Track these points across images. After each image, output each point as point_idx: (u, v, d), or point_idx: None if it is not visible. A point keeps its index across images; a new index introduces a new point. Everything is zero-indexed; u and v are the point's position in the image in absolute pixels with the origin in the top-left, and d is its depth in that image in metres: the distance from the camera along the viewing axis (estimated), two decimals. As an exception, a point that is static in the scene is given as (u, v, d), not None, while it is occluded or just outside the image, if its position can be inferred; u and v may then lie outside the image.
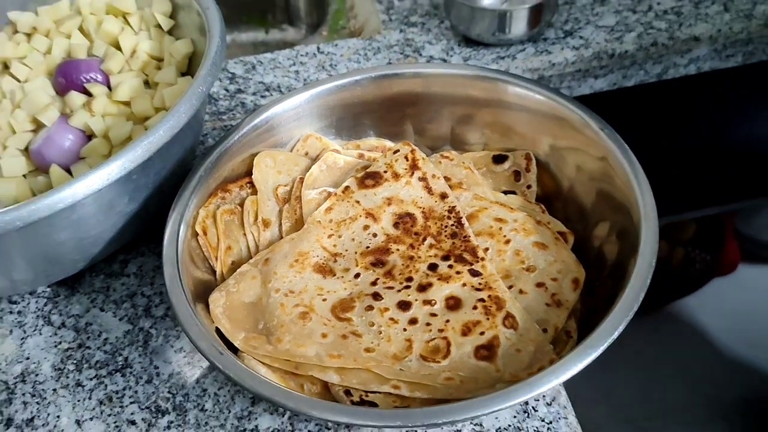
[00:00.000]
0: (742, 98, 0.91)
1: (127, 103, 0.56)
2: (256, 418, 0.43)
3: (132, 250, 0.53)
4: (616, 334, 0.34)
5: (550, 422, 0.41)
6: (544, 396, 0.42)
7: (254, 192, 0.46)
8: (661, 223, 0.41)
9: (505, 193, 0.47)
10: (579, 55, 0.65)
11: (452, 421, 0.33)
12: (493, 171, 0.49)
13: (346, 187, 0.46)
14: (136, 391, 0.45)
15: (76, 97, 0.56)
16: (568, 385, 0.38)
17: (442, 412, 0.33)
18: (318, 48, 0.68)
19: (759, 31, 0.67)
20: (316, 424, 0.42)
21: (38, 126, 0.57)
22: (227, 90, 0.65)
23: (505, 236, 0.43)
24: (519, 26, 0.64)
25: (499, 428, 0.41)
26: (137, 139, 0.43)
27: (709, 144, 0.97)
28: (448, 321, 0.39)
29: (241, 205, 0.46)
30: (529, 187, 0.47)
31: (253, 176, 0.47)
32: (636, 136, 0.76)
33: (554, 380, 0.33)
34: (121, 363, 0.46)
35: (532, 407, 0.42)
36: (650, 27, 0.67)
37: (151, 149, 0.42)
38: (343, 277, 0.42)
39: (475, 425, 0.41)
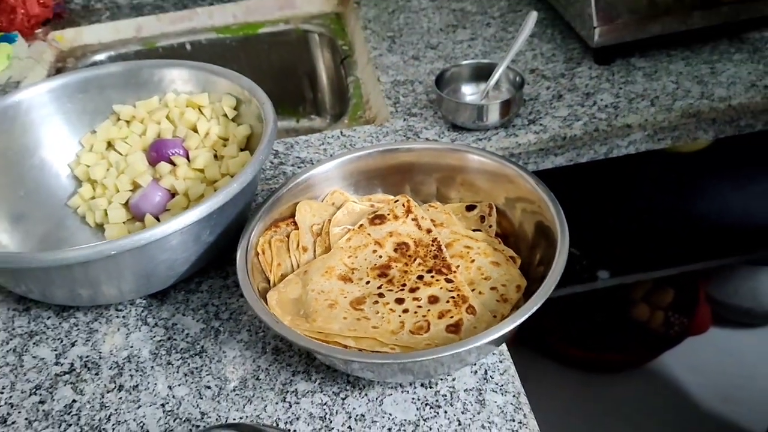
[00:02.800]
0: (671, 172, 1.13)
1: (201, 170, 0.76)
2: (295, 384, 0.61)
3: (204, 274, 0.72)
4: (527, 315, 0.52)
5: (502, 385, 0.59)
6: (498, 368, 0.60)
7: (296, 228, 0.66)
8: (620, 281, 0.59)
9: (474, 230, 0.66)
10: (539, 138, 0.85)
11: (433, 358, 0.50)
12: (465, 216, 0.68)
13: (361, 225, 0.65)
14: (210, 368, 0.63)
15: (164, 166, 0.77)
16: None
17: (422, 354, 0.51)
18: (341, 132, 0.89)
19: (677, 120, 0.87)
20: (338, 386, 0.60)
21: (135, 187, 0.77)
22: (272, 162, 0.86)
23: (471, 258, 0.62)
24: (493, 116, 0.85)
25: (467, 389, 0.59)
26: (222, 189, 0.62)
27: (646, 210, 1.17)
28: (429, 310, 0.58)
29: (288, 236, 0.66)
30: (490, 226, 0.66)
31: (296, 217, 0.66)
32: (586, 201, 0.98)
33: (488, 337, 0.51)
34: (198, 349, 0.65)
35: (490, 375, 0.60)
36: (594, 117, 0.87)
37: (228, 196, 0.62)
38: (358, 283, 0.61)
39: (449, 386, 0.59)
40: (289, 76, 1.26)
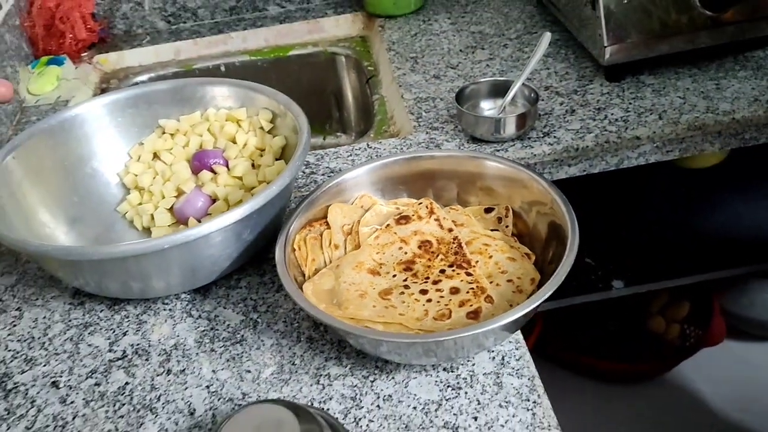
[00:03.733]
0: (682, 185, 1.19)
1: (240, 178, 0.83)
2: (328, 369, 0.66)
3: (243, 272, 0.78)
4: (540, 301, 0.57)
5: (518, 370, 0.64)
6: (514, 354, 0.65)
7: (328, 228, 0.72)
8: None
9: (492, 230, 0.72)
10: (553, 149, 0.91)
11: (454, 338, 0.56)
12: (484, 217, 0.74)
13: (388, 225, 0.71)
14: (249, 354, 0.69)
15: (206, 174, 0.84)
16: None
17: (445, 334, 0.56)
18: (368, 144, 0.96)
19: (684, 133, 0.93)
20: (367, 371, 0.65)
21: (180, 193, 0.84)
22: (304, 172, 0.92)
23: (489, 254, 0.68)
24: (510, 129, 0.91)
25: (485, 373, 0.64)
26: (261, 191, 0.69)
27: (658, 221, 1.22)
28: (450, 300, 0.64)
29: (321, 235, 0.72)
30: (507, 227, 0.72)
31: (328, 218, 0.73)
32: (599, 210, 1.03)
33: (504, 320, 0.56)
34: (239, 338, 0.71)
35: (507, 361, 0.65)
36: (605, 130, 0.93)
37: (267, 198, 0.68)
38: (385, 276, 0.67)
39: (469, 370, 0.64)
40: (317, 96, 1.34)
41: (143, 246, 0.65)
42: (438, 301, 0.64)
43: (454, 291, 0.65)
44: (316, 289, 0.66)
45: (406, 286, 0.66)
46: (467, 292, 0.64)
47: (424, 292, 0.65)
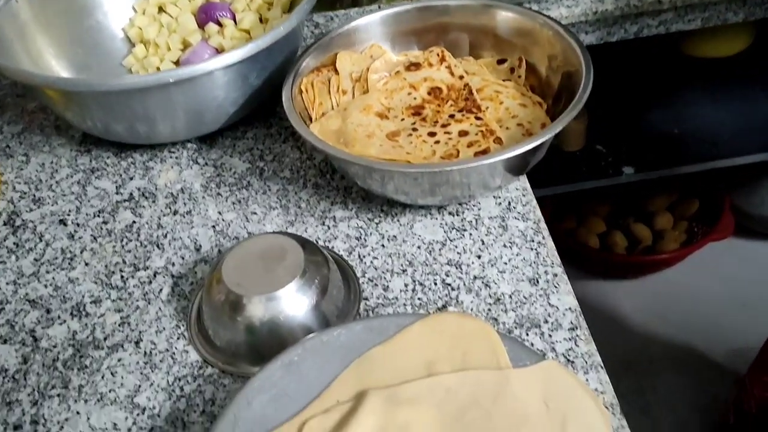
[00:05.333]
0: (701, 76, 1.16)
1: (247, 31, 0.81)
2: (334, 212, 0.66)
3: (249, 125, 0.77)
4: (548, 136, 0.56)
5: (524, 214, 0.64)
6: (521, 200, 0.65)
7: (337, 74, 0.71)
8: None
9: (504, 81, 0.70)
10: (571, 12, 0.88)
11: (459, 169, 0.55)
12: (496, 68, 0.72)
13: (398, 71, 0.70)
14: (255, 198, 0.69)
15: (212, 27, 0.82)
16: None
17: (450, 164, 0.56)
18: (379, 6, 0.93)
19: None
20: (372, 213, 0.65)
21: (186, 46, 0.82)
22: (313, 33, 0.90)
23: (500, 100, 0.67)
24: (527, -10, 0.88)
25: (491, 216, 0.64)
26: (268, 32, 0.67)
27: (673, 108, 1.20)
28: (459, 141, 0.63)
29: (329, 81, 0.70)
30: (519, 77, 0.70)
31: (336, 65, 0.71)
32: (614, 86, 1.00)
33: (511, 152, 0.55)
34: (245, 183, 0.71)
35: (513, 206, 0.65)
36: (625, -7, 0.90)
37: (275, 38, 0.67)
38: (393, 120, 0.66)
39: (474, 214, 0.64)
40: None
41: (148, 79, 0.64)
42: (446, 143, 0.63)
43: (463, 134, 0.64)
44: (322, 129, 0.65)
45: (415, 129, 0.65)
46: (476, 134, 0.63)
47: (432, 134, 0.64)
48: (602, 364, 0.52)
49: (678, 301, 1.55)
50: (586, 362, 0.52)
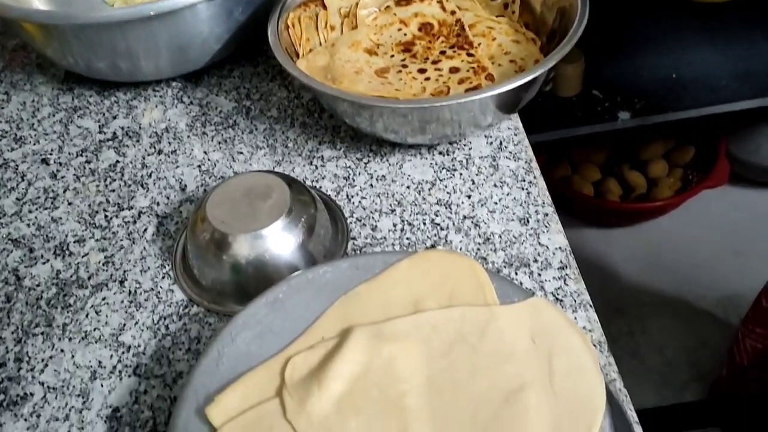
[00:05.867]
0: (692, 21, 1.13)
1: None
2: (321, 151, 0.65)
3: (235, 63, 0.75)
4: (540, 71, 0.54)
5: (515, 153, 0.63)
6: (512, 140, 0.64)
7: (324, 9, 0.68)
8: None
9: (497, 17, 0.68)
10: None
11: (449, 105, 0.54)
12: (489, 4, 0.69)
13: (388, 6, 0.68)
14: (242, 138, 0.67)
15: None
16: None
17: (440, 100, 0.54)
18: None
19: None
20: (361, 153, 0.64)
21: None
22: (301, -32, 0.87)
23: (493, 36, 0.65)
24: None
25: (482, 156, 0.63)
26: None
27: (670, 53, 1.18)
28: (449, 78, 0.61)
29: (316, 16, 0.68)
30: (513, 12, 0.68)
31: (324, 1, 0.69)
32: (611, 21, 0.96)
33: (501, 88, 0.54)
34: (231, 123, 0.69)
35: (504, 145, 0.63)
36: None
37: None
38: (383, 57, 0.64)
39: (465, 154, 0.63)
40: None
41: (128, 12, 0.61)
42: (437, 80, 0.61)
43: (454, 70, 0.62)
44: (309, 65, 0.63)
45: (404, 66, 0.63)
46: (467, 71, 0.61)
47: (422, 71, 0.62)
48: (591, 303, 0.51)
49: (671, 249, 1.56)
50: (575, 301, 0.51)
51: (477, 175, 0.61)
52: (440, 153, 0.63)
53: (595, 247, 1.59)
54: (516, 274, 0.53)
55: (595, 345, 0.49)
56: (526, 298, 0.45)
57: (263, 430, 0.40)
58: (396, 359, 0.42)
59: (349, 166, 0.63)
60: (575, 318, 0.50)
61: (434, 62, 0.63)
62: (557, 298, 0.51)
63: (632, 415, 0.45)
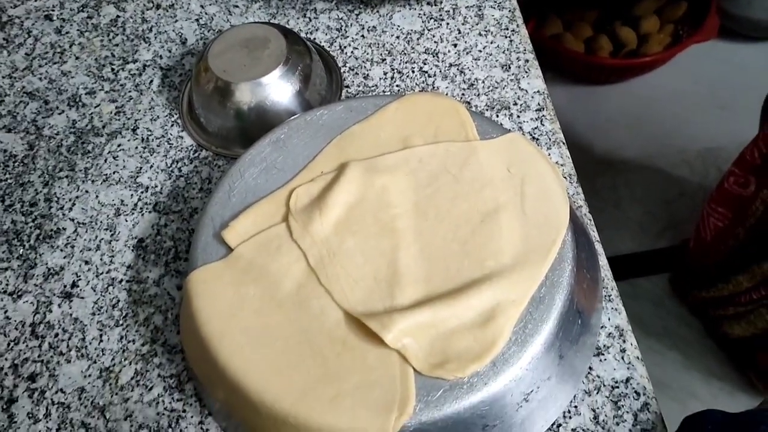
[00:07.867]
0: None
1: None
2: (314, 4, 0.67)
3: None
4: None
5: (499, 3, 0.65)
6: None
7: None
8: None
9: None
10: None
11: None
12: None
13: None
14: (237, -9, 0.70)
15: None
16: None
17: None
18: None
19: None
20: (352, 5, 0.66)
21: None
22: None
23: None
24: None
25: (468, 6, 0.65)
26: None
27: None
28: (437, -73, 0.63)
29: None
30: None
31: None
32: None
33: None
34: (225, -23, 0.71)
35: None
36: None
37: None
38: None
39: (452, 4, 0.66)
40: None
41: None
42: (424, -71, 0.63)
43: None
44: None
45: None
46: None
47: None
48: (564, 141, 0.57)
49: (658, 104, 1.59)
50: (550, 139, 0.56)
51: (463, 24, 0.64)
52: (428, 3, 0.66)
53: (584, 104, 1.62)
54: (497, 116, 0.58)
55: (565, 177, 0.54)
56: (504, 134, 0.50)
57: (273, 249, 0.46)
58: (387, 188, 0.48)
59: (341, 18, 0.66)
60: (549, 154, 0.56)
61: None
62: (534, 137, 0.57)
63: (594, 235, 0.52)
